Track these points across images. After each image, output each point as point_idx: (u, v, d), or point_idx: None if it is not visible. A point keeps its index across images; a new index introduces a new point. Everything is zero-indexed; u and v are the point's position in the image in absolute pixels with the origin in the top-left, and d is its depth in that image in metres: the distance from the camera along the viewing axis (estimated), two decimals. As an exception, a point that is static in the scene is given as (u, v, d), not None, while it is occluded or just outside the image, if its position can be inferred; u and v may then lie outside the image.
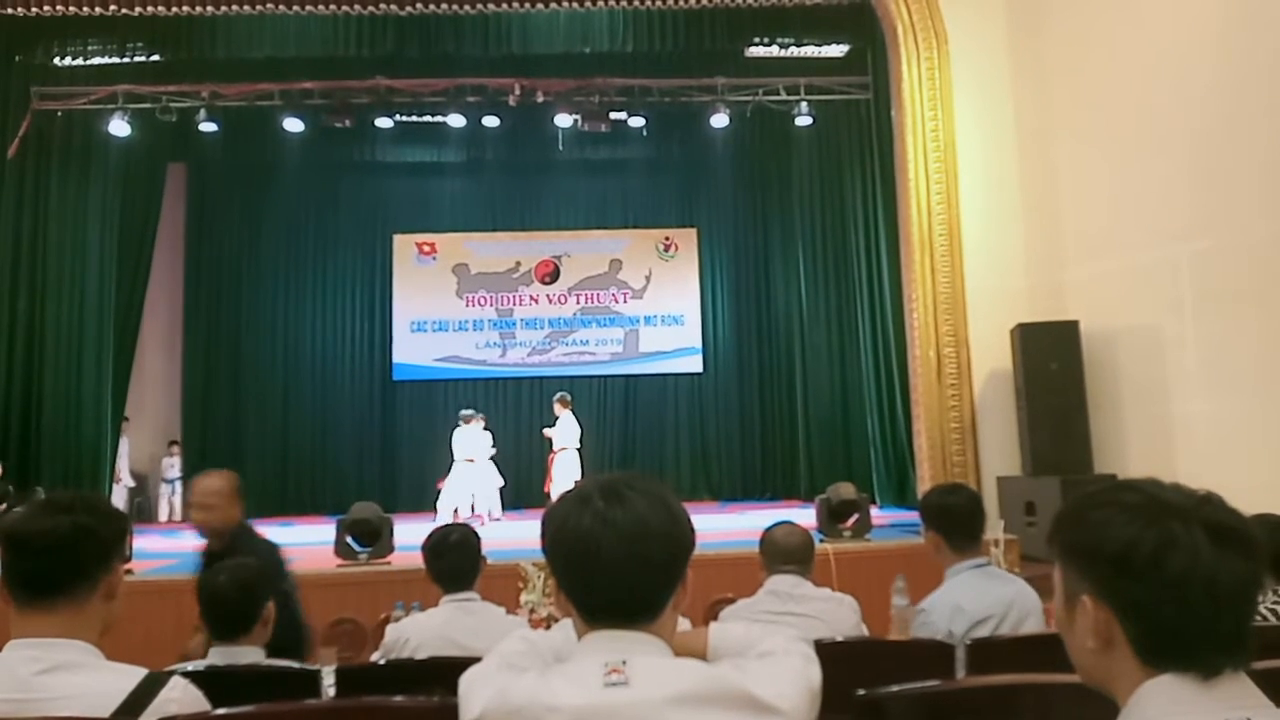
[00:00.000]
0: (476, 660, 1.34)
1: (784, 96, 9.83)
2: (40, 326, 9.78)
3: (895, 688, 1.60)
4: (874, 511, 6.91)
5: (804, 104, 9.77)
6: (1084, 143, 6.89)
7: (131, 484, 11.41)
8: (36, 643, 1.45)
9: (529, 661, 1.28)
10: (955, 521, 2.64)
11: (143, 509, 11.52)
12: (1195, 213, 5.92)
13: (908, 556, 5.85)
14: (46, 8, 7.49)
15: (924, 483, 7.28)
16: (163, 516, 11.57)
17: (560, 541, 1.24)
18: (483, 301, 12.90)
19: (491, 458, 9.91)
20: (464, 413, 10.12)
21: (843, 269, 10.81)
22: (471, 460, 9.67)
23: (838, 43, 9.33)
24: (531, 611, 3.38)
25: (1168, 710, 0.97)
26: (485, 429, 10.04)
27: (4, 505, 8.96)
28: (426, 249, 12.92)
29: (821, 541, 5.85)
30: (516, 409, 12.46)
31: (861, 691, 1.60)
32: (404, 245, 12.91)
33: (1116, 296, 6.54)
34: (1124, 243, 6.48)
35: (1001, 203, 7.36)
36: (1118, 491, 1.06)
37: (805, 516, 8.07)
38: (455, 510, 9.25)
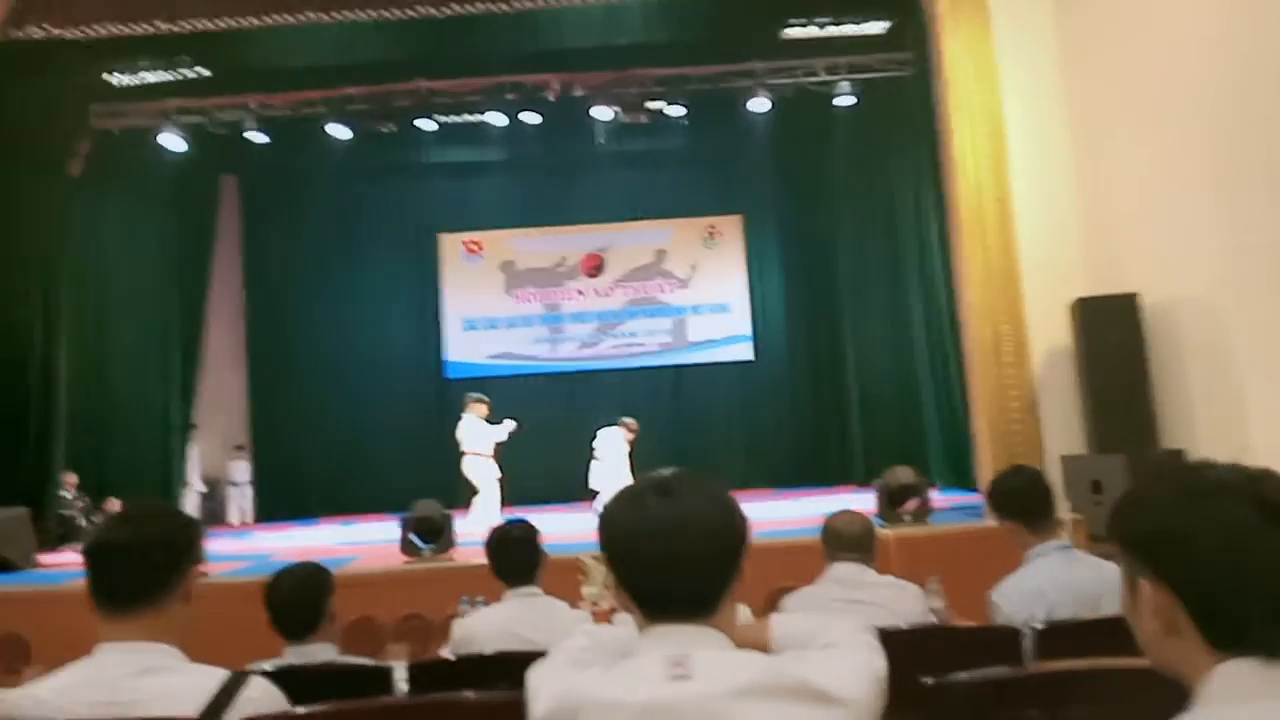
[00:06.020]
0: (542, 655, 1.36)
1: (824, 77, 9.71)
2: (109, 340, 10.16)
3: (962, 675, 1.59)
4: (933, 495, 6.80)
5: (844, 83, 9.64)
6: (1135, 108, 6.66)
7: (202, 489, 11.79)
8: (124, 646, 1.52)
9: (593, 656, 1.30)
10: (1027, 503, 2.62)
11: (213, 513, 11.89)
12: (1262, 175, 5.69)
13: (972, 540, 5.77)
14: (99, 29, 7.72)
15: (983, 464, 7.15)
16: (233, 519, 11.94)
17: (615, 539, 1.26)
18: (530, 297, 13.02)
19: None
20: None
21: (892, 248, 10.65)
22: (478, 454, 8.74)
23: (877, 19, 9.16)
24: (594, 604, 3.41)
25: (1238, 695, 0.95)
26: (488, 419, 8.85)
27: (81, 513, 9.35)
28: (473, 247, 13.07)
29: (882, 527, 5.79)
30: (569, 403, 12.54)
31: (928, 680, 1.59)
32: (451, 244, 13.07)
33: (1176, 267, 6.31)
34: (1181, 210, 6.26)
35: (1052, 174, 7.18)
36: (1169, 473, 1.06)
37: (862, 501, 8.01)
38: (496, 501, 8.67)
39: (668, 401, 12.65)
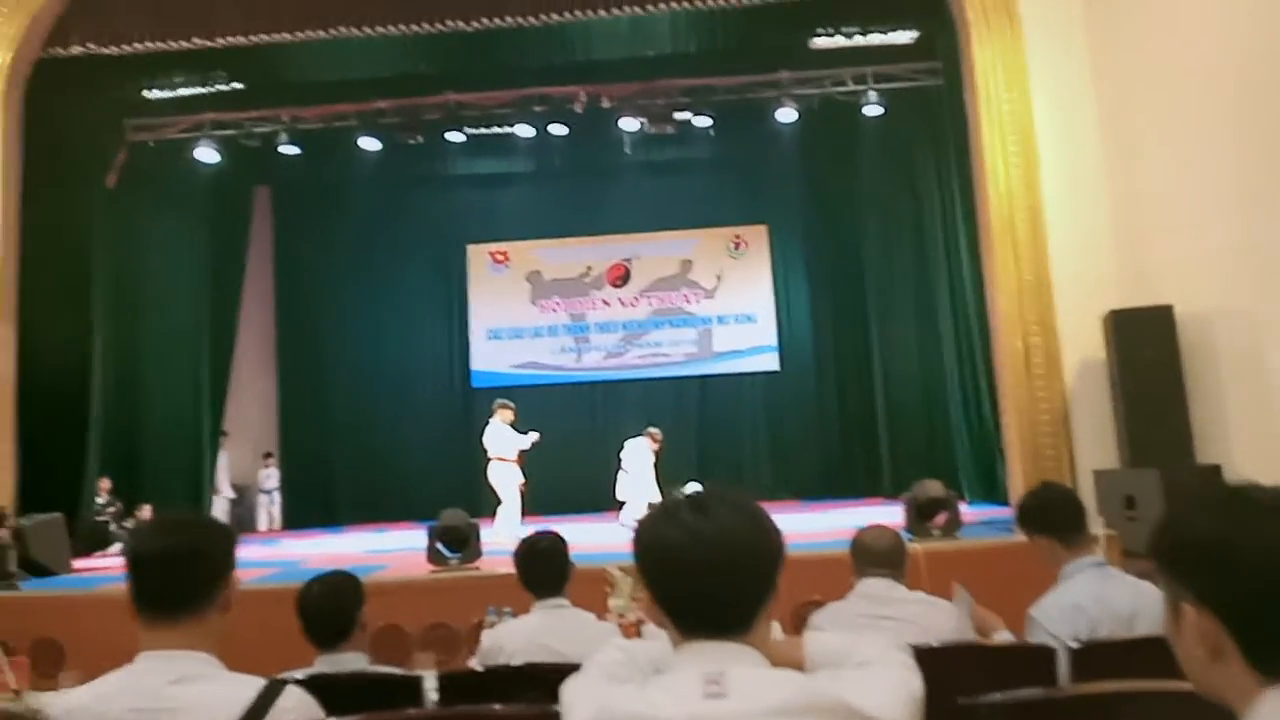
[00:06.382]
0: (572, 667, 1.37)
1: (851, 87, 9.67)
2: (143, 348, 10.33)
3: (997, 696, 1.57)
4: (962, 508, 6.73)
5: (872, 93, 9.60)
6: (1166, 117, 6.58)
7: (232, 495, 11.92)
8: (163, 655, 1.55)
9: (628, 672, 1.30)
10: (1058, 518, 2.58)
11: (242, 519, 12.02)
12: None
13: (1002, 556, 5.69)
14: (135, 44, 7.89)
15: (1014, 477, 7.07)
16: (262, 526, 12.06)
17: (650, 555, 1.26)
18: (556, 307, 13.07)
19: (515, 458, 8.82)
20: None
21: (920, 259, 10.58)
22: (502, 459, 8.74)
23: (904, 28, 9.13)
24: (620, 616, 3.40)
25: None
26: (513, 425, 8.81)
27: (114, 519, 9.50)
28: (499, 257, 13.15)
29: (910, 541, 5.73)
30: (594, 413, 12.56)
31: (962, 700, 1.57)
32: (477, 255, 13.16)
33: (1211, 278, 6.21)
34: (1215, 221, 6.16)
35: (1084, 183, 7.11)
36: (1212, 493, 1.05)
37: (890, 514, 7.94)
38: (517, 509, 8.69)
39: (693, 412, 12.62)
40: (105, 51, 7.90)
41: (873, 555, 2.82)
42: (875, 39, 9.00)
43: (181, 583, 1.57)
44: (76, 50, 7.82)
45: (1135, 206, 6.91)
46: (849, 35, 8.94)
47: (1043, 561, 2.73)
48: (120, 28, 7.84)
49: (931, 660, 1.93)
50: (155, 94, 9.59)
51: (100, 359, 9.50)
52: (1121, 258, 6.97)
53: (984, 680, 2.24)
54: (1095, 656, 2.17)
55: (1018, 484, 6.84)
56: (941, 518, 6.14)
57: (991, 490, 8.82)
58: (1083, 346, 6.89)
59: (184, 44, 7.92)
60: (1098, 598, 2.42)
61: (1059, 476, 6.50)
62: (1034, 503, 2.66)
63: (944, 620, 2.74)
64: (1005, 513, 7.37)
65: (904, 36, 9.04)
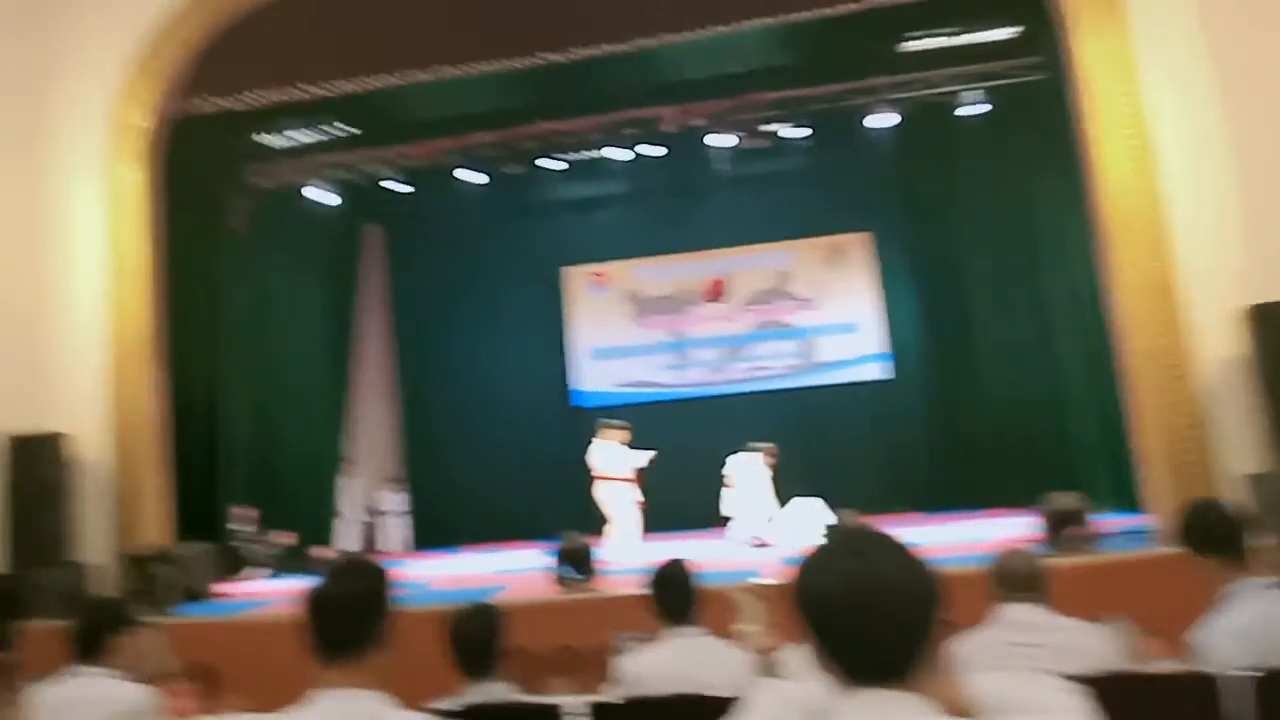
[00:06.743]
0: (716, 699, 1.37)
1: (950, 87, 9.44)
2: (272, 382, 10.96)
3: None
4: (1095, 519, 6.41)
5: (972, 93, 9.34)
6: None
7: (365, 519, 12.44)
8: (338, 694, 1.65)
9: (791, 716, 1.31)
10: (1222, 535, 2.45)
11: (372, 542, 12.52)
12: None
13: (1145, 569, 5.43)
14: (257, 95, 8.40)
15: (1151, 484, 6.71)
16: (390, 547, 12.53)
17: (810, 602, 1.25)
18: (656, 325, 13.16)
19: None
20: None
21: (1031, 259, 10.21)
22: (614, 479, 8.86)
23: (1003, 25, 8.86)
24: (749, 641, 3.40)
25: None
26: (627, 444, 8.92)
27: (250, 544, 10.06)
28: (597, 278, 13.36)
29: (1047, 556, 5.50)
30: (697, 429, 12.54)
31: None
32: (576, 277, 13.41)
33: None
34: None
35: (1209, 174, 6.71)
36: None
37: (1013, 526, 7.66)
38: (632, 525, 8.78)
39: (798, 424, 12.45)
40: (227, 105, 8.45)
41: (1014, 580, 2.73)
42: (973, 37, 8.76)
43: (352, 625, 1.67)
44: (204, 107, 8.38)
45: (1267, 195, 6.49)
46: (946, 36, 8.73)
47: (1200, 579, 2.59)
48: (240, 82, 8.36)
49: (1087, 690, 1.87)
50: (273, 141, 10.23)
51: (234, 393, 10.13)
52: (1254, 249, 6.55)
53: (1145, 712, 2.14)
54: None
55: (1156, 490, 6.50)
56: (1078, 530, 5.86)
57: (1122, 499, 8.39)
58: (1217, 344, 6.49)
59: (298, 93, 8.38)
60: (1271, 622, 2.29)
61: (1203, 482, 6.15)
62: (1193, 522, 2.53)
63: (1098, 645, 2.62)
64: (1140, 522, 7.01)
65: (1003, 33, 8.77)
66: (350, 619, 1.67)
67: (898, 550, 1.26)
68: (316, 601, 1.70)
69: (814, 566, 1.27)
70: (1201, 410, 6.45)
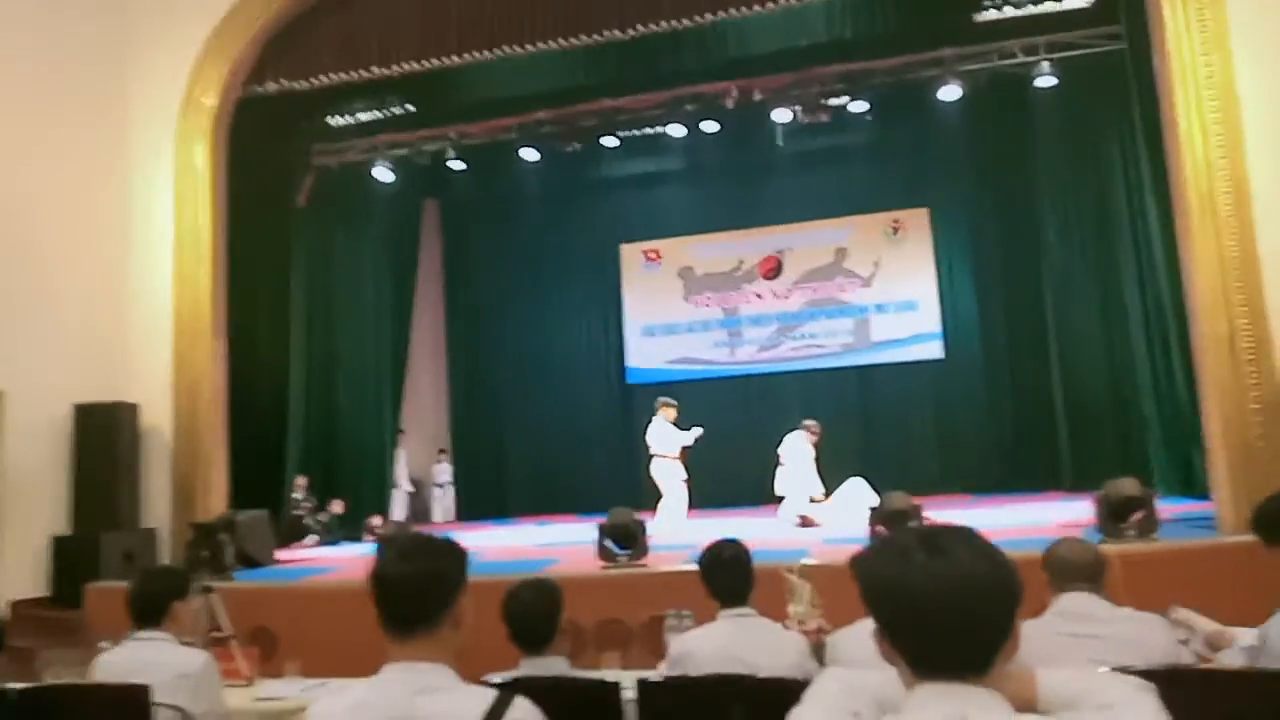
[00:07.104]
0: (766, 680, 1.35)
1: (1022, 59, 9.13)
2: (332, 354, 11.22)
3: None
4: (1157, 504, 6.21)
5: (1045, 64, 9.03)
6: None
7: (409, 489, 12.72)
8: (407, 667, 1.69)
9: (856, 706, 1.29)
10: None
11: (419, 512, 12.81)
12: None
13: (1205, 558, 5.26)
14: (320, 78, 8.53)
15: (1218, 469, 6.47)
16: (436, 518, 12.81)
17: (882, 596, 1.23)
18: (709, 302, 13.10)
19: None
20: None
21: (1102, 238, 9.86)
22: (666, 456, 8.86)
23: (1081, -8, 8.51)
24: (801, 623, 3.39)
25: None
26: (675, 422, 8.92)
27: (309, 513, 10.35)
28: (652, 255, 13.33)
29: (1102, 542, 5.37)
30: (749, 406, 12.50)
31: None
32: (631, 254, 13.39)
33: None
34: None
35: (1299, 150, 6.38)
36: None
37: (1072, 510, 7.49)
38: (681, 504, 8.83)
39: (853, 403, 12.33)
40: (294, 86, 8.59)
41: (1071, 569, 2.66)
42: (1048, 7, 8.44)
43: (423, 603, 1.70)
44: (271, 88, 8.54)
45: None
46: (1018, 5, 8.42)
47: (1271, 571, 2.49)
48: (307, 64, 8.49)
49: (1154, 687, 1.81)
50: (337, 121, 10.42)
51: (296, 365, 10.40)
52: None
53: (1213, 707, 2.08)
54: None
55: (1221, 477, 6.26)
56: (1137, 517, 5.70)
57: (1189, 485, 8.13)
58: (1298, 328, 6.21)
59: (363, 74, 8.48)
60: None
61: (1274, 469, 5.91)
62: (1272, 509, 2.42)
63: (1158, 637, 2.55)
64: (1203, 508, 6.80)
65: (1080, 1, 8.43)
66: (410, 597, 1.70)
67: (986, 549, 1.22)
68: (380, 580, 1.73)
69: (886, 560, 1.23)
70: (1276, 395, 6.18)
